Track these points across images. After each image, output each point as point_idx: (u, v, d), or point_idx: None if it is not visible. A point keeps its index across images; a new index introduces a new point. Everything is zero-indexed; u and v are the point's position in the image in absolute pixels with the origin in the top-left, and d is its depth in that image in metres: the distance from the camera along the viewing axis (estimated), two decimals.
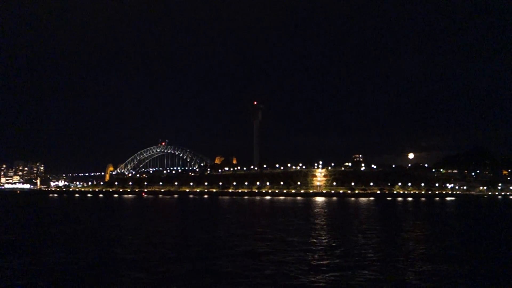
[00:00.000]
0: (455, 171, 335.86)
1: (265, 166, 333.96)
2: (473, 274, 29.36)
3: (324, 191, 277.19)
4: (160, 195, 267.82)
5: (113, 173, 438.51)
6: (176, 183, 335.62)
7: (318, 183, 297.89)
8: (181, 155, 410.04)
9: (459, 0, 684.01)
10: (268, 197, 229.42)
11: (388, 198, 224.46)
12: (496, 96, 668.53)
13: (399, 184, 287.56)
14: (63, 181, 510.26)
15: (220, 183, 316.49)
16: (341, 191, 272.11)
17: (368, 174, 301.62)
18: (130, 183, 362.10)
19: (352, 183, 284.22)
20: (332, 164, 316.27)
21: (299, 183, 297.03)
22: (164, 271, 28.69)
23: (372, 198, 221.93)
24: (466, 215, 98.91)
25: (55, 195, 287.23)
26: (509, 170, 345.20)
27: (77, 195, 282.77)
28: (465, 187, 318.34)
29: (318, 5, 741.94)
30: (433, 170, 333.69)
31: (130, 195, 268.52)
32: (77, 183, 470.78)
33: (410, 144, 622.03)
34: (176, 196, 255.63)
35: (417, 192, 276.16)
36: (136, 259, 33.29)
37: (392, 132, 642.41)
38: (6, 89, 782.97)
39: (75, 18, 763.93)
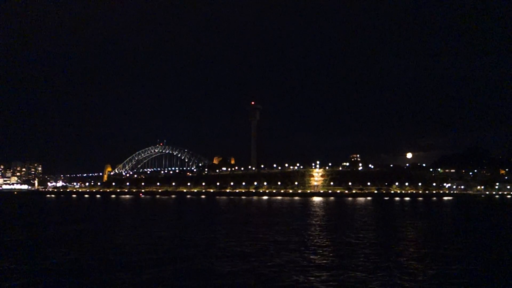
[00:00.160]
0: (452, 170, 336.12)
1: (262, 166, 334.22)
2: (463, 274, 29.46)
3: (322, 191, 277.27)
4: (158, 196, 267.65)
5: (111, 173, 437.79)
6: (173, 184, 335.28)
7: (315, 183, 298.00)
8: (179, 155, 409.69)
9: (458, 0, 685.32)
10: (265, 197, 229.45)
11: (386, 198, 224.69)
12: (494, 95, 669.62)
13: (397, 184, 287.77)
14: (61, 182, 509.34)
15: (218, 183, 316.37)
16: (338, 191, 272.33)
17: (366, 174, 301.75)
18: (128, 184, 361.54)
19: (350, 183, 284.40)
20: (330, 164, 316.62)
21: (296, 183, 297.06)
22: (156, 272, 28.83)
23: (369, 198, 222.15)
24: (462, 214, 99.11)
25: (52, 195, 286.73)
26: (507, 170, 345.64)
27: (74, 196, 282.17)
28: (462, 187, 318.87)
29: (316, 6, 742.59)
30: (431, 169, 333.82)
31: (127, 196, 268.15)
32: (75, 183, 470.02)
33: (408, 143, 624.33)
34: (173, 196, 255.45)
35: (414, 191, 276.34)
36: (129, 260, 33.38)
37: (390, 132, 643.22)
38: (4, 89, 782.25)
39: (73, 18, 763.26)
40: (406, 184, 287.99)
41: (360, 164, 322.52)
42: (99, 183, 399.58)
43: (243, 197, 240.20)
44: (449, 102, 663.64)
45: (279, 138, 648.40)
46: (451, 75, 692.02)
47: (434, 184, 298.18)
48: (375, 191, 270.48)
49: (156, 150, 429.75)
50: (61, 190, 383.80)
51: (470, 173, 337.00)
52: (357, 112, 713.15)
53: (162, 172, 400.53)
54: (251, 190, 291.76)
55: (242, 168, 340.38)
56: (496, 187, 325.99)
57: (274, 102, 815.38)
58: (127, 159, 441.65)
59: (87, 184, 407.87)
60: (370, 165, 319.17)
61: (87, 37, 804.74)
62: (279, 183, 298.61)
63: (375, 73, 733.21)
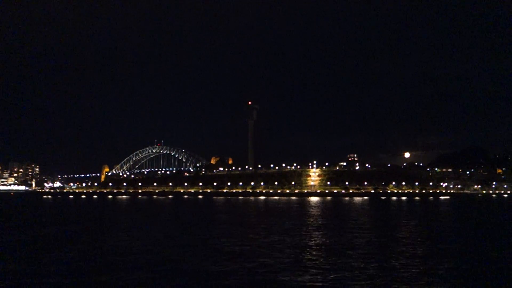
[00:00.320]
0: (449, 170, 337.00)
1: (259, 166, 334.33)
2: (451, 273, 29.41)
3: (318, 191, 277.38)
4: (155, 196, 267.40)
5: (109, 174, 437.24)
6: (170, 184, 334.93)
7: (312, 183, 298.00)
8: (176, 155, 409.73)
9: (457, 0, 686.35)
10: (262, 197, 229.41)
11: (382, 198, 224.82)
12: (492, 95, 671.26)
13: (393, 183, 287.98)
14: (58, 183, 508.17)
15: (215, 184, 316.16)
16: (335, 191, 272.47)
17: (363, 173, 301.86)
18: (125, 184, 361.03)
19: (347, 183, 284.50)
20: (327, 164, 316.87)
21: (293, 183, 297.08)
22: (147, 273, 28.84)
23: (366, 198, 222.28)
24: (458, 213, 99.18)
25: (49, 196, 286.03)
26: (504, 169, 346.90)
27: (71, 196, 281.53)
28: (459, 186, 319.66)
29: (313, 5, 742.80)
30: (428, 169, 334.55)
31: (124, 196, 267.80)
32: (72, 184, 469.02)
33: (406, 143, 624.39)
34: (170, 196, 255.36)
35: (411, 191, 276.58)
36: (123, 260, 33.32)
37: (388, 131, 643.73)
38: (1, 89, 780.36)
39: (72, 17, 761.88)
40: (403, 183, 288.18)
41: (357, 164, 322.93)
42: (96, 184, 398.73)
43: (240, 197, 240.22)
44: (447, 101, 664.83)
45: (276, 138, 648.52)
46: (448, 75, 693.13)
47: (431, 183, 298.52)
48: (372, 191, 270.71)
49: (154, 151, 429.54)
50: (58, 190, 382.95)
51: (467, 173, 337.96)
52: (355, 112, 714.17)
53: (159, 172, 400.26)
54: (248, 190, 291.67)
55: (239, 168, 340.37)
56: (493, 186, 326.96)
57: (272, 102, 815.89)
58: (125, 160, 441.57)
59: (84, 184, 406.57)
60: (367, 165, 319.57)
61: (85, 37, 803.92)
62: (276, 183, 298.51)
63: (373, 73, 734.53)
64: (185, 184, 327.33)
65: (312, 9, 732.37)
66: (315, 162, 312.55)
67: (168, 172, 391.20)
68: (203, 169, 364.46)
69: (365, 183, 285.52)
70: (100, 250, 38.54)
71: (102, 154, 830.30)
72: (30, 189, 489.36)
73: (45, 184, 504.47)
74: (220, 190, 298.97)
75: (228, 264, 31.72)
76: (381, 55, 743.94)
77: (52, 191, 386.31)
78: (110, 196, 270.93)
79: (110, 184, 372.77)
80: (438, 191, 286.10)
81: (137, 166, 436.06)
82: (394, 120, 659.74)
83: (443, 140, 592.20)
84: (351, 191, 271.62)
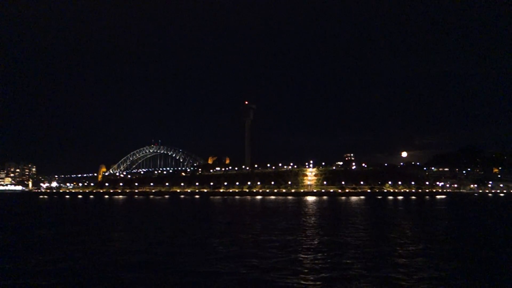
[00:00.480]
0: (446, 169, 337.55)
1: (256, 165, 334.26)
2: (442, 272, 29.36)
3: (315, 190, 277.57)
4: (151, 196, 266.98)
5: (106, 174, 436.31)
6: (167, 184, 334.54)
7: (309, 183, 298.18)
8: (174, 155, 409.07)
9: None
10: (259, 197, 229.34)
11: (379, 197, 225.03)
12: (488, 94, 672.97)
13: (390, 182, 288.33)
14: (55, 183, 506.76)
15: (211, 183, 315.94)
16: (331, 190, 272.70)
17: (359, 173, 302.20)
18: (121, 184, 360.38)
19: (343, 182, 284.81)
20: (323, 164, 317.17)
21: (290, 182, 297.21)
22: (137, 273, 28.75)
23: (362, 197, 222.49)
24: (452, 213, 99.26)
25: (45, 196, 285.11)
26: (500, 168, 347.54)
27: (67, 196, 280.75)
28: (455, 185, 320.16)
29: (310, 5, 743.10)
30: (425, 168, 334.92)
31: (120, 196, 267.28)
32: (69, 184, 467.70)
33: (404, 142, 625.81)
34: (167, 196, 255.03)
35: (407, 190, 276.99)
36: (112, 262, 33.18)
37: (385, 131, 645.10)
38: None
39: (71, 16, 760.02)
40: (399, 183, 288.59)
41: (354, 163, 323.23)
42: (92, 184, 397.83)
43: (237, 197, 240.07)
44: (445, 100, 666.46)
45: (273, 137, 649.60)
46: (445, 74, 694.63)
47: (427, 182, 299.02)
48: (368, 190, 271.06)
49: (151, 150, 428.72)
50: (54, 190, 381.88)
51: (464, 172, 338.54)
52: (352, 111, 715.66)
53: (156, 172, 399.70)
54: (244, 189, 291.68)
55: (236, 168, 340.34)
56: (489, 185, 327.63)
57: (269, 102, 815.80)
58: (122, 160, 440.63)
59: (80, 184, 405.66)
60: (363, 164, 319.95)
61: (82, 37, 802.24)
62: (272, 182, 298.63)
63: (370, 73, 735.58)
64: (182, 184, 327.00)
65: (308, 8, 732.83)
66: (311, 161, 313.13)
67: (165, 172, 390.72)
68: (200, 169, 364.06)
69: (362, 182, 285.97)
70: (92, 251, 38.32)
71: (99, 154, 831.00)
72: (27, 189, 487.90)
73: (41, 184, 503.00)
74: (216, 190, 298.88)
75: (221, 264, 31.62)
76: (378, 55, 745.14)
77: (48, 191, 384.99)
78: (106, 196, 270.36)
79: (107, 184, 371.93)
80: (434, 190, 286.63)
81: (134, 166, 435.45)
82: (391, 120, 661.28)
83: (440, 140, 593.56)
84: (347, 190, 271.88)
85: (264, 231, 53.02)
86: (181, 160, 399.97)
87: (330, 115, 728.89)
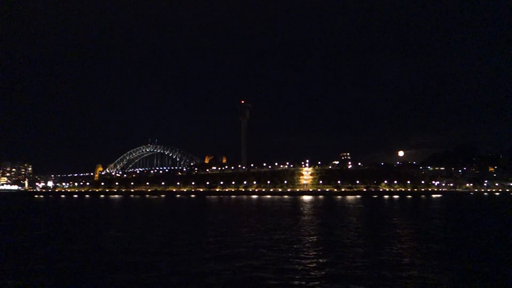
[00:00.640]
0: (442, 168, 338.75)
1: (252, 165, 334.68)
2: (432, 270, 29.48)
3: (311, 190, 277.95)
4: (147, 195, 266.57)
5: (102, 173, 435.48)
6: (163, 183, 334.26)
7: (305, 182, 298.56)
8: (170, 154, 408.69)
9: (450, 0, 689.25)
10: (255, 196, 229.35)
11: (374, 196, 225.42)
12: (484, 94, 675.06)
13: (385, 182, 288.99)
14: (51, 182, 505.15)
15: (208, 183, 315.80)
16: (327, 189, 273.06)
17: (355, 172, 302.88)
18: (117, 183, 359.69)
19: (339, 181, 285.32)
20: (319, 163, 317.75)
21: (286, 181, 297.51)
22: (127, 274, 28.77)
23: (358, 196, 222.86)
24: (447, 212, 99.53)
25: (41, 196, 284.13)
26: (495, 167, 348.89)
27: (63, 196, 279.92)
28: (451, 184, 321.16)
29: (307, 5, 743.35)
30: (421, 167, 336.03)
31: (116, 196, 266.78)
32: (65, 184, 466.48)
33: (400, 142, 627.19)
34: (163, 196, 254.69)
35: (403, 189, 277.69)
36: (103, 262, 33.19)
37: (382, 130, 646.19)
38: None
39: (68, 16, 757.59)
40: (395, 182, 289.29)
41: (350, 163, 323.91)
42: (88, 183, 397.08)
43: (233, 196, 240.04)
44: (441, 100, 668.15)
45: (269, 136, 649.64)
46: (442, 74, 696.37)
47: (423, 181, 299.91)
48: (364, 189, 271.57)
49: (148, 150, 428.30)
50: (50, 190, 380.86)
51: (460, 171, 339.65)
52: (348, 111, 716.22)
53: (152, 171, 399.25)
54: (240, 189, 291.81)
55: (232, 167, 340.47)
56: (485, 184, 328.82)
57: (265, 101, 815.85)
58: (118, 159, 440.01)
59: (76, 184, 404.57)
60: (359, 164, 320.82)
61: (80, 36, 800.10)
62: (268, 182, 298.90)
63: (367, 72, 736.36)
64: (178, 183, 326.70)
65: (307, 8, 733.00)
66: (307, 161, 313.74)
67: (161, 171, 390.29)
68: (196, 168, 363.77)
69: (358, 181, 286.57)
70: (85, 251, 38.29)
71: (96, 154, 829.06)
72: (23, 189, 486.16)
73: (37, 184, 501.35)
74: (212, 189, 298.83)
75: (211, 264, 31.65)
76: (376, 55, 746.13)
77: (44, 190, 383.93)
78: (102, 196, 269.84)
79: (103, 183, 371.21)
80: (430, 189, 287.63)
81: (130, 166, 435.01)
82: (387, 119, 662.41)
83: (436, 139, 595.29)
84: (343, 189, 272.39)
85: (260, 230, 53.04)
86: (178, 160, 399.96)
87: (327, 115, 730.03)
